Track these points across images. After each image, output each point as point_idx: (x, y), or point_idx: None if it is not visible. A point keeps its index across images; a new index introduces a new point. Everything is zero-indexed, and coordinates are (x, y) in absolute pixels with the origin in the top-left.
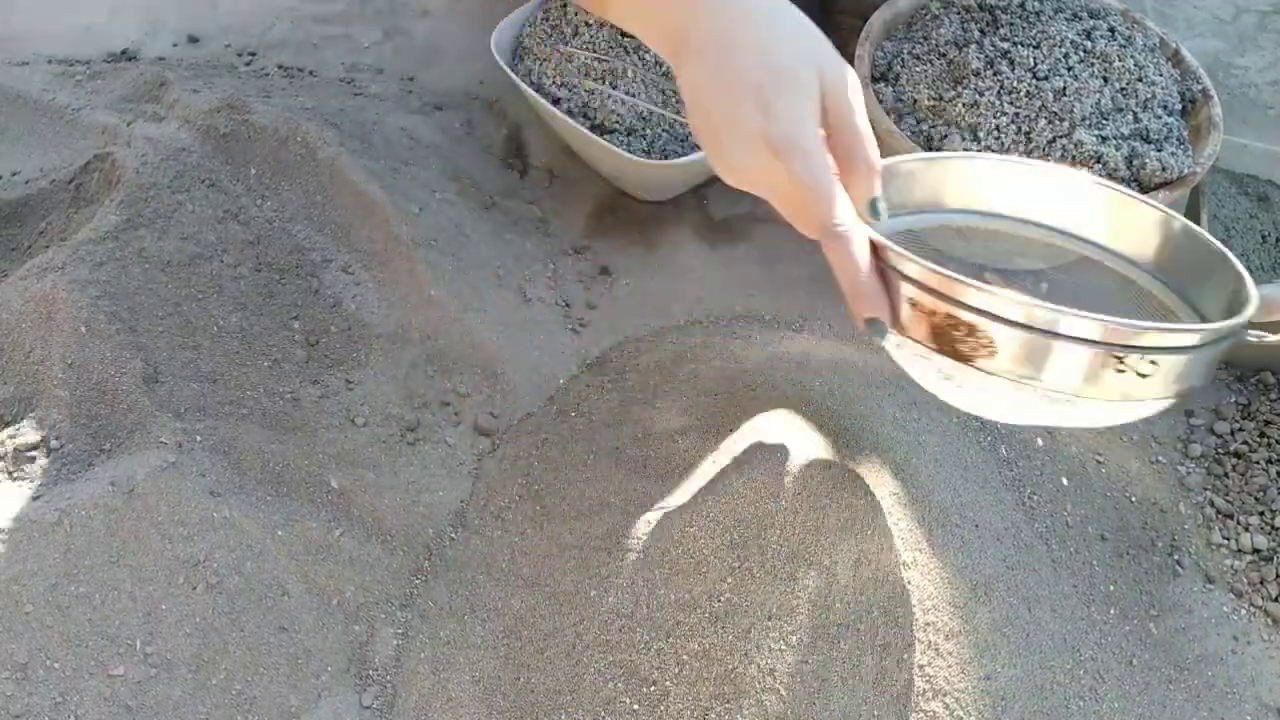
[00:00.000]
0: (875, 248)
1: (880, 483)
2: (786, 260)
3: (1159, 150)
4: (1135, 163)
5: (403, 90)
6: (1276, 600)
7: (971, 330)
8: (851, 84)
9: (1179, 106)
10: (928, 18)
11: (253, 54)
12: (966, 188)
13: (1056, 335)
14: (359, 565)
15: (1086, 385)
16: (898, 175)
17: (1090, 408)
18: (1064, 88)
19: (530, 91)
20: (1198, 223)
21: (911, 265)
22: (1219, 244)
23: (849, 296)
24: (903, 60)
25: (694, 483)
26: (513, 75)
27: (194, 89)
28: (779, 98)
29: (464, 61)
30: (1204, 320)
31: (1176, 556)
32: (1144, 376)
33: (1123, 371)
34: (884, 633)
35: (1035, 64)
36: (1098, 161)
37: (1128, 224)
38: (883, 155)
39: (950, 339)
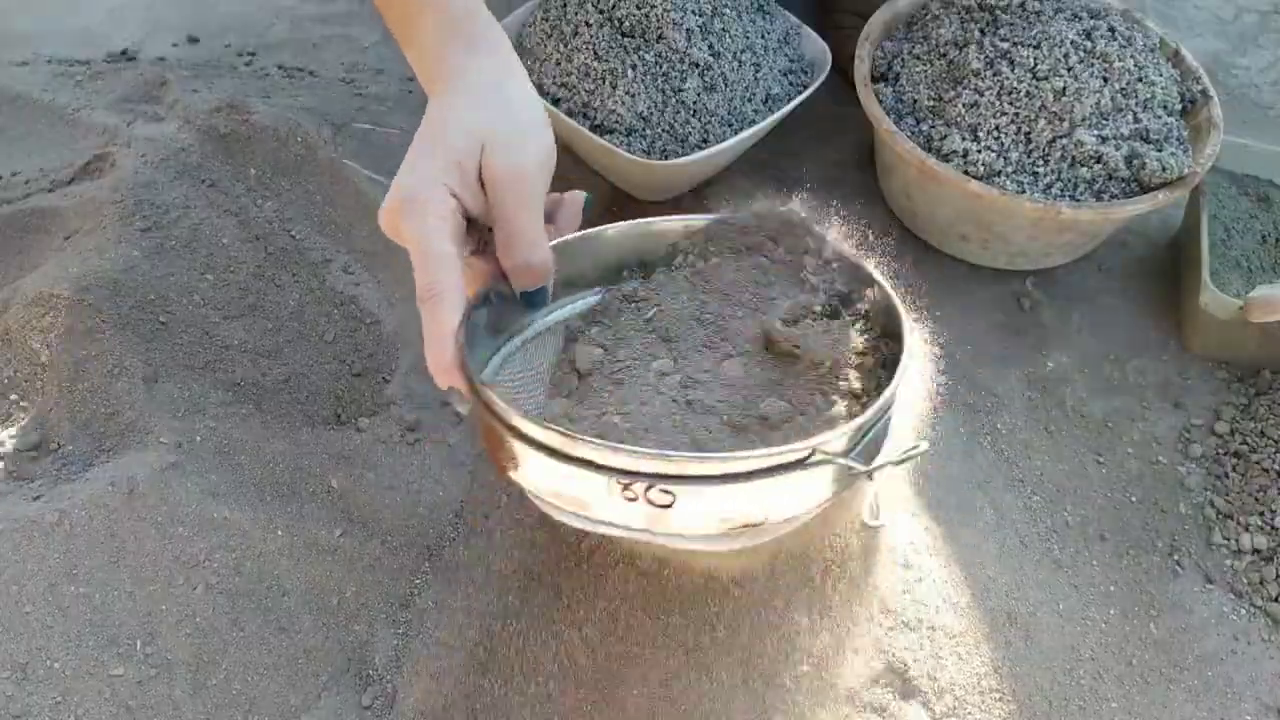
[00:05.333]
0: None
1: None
2: None
3: (1159, 150)
4: (1135, 163)
5: (403, 90)
6: (1276, 600)
7: (500, 439)
8: (519, 173)
9: (1179, 106)
10: (928, 18)
11: (252, 54)
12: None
13: (550, 452)
14: (359, 565)
15: (607, 514)
16: (565, 253)
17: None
18: (1064, 88)
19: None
20: (1198, 223)
21: (464, 362)
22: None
23: (429, 362)
24: (903, 60)
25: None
26: None
27: (194, 89)
28: (418, 159)
29: None
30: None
31: (1176, 557)
32: (663, 508)
33: (633, 500)
34: (883, 632)
35: (1035, 64)
36: (1098, 162)
37: None
38: (883, 155)
39: (493, 448)
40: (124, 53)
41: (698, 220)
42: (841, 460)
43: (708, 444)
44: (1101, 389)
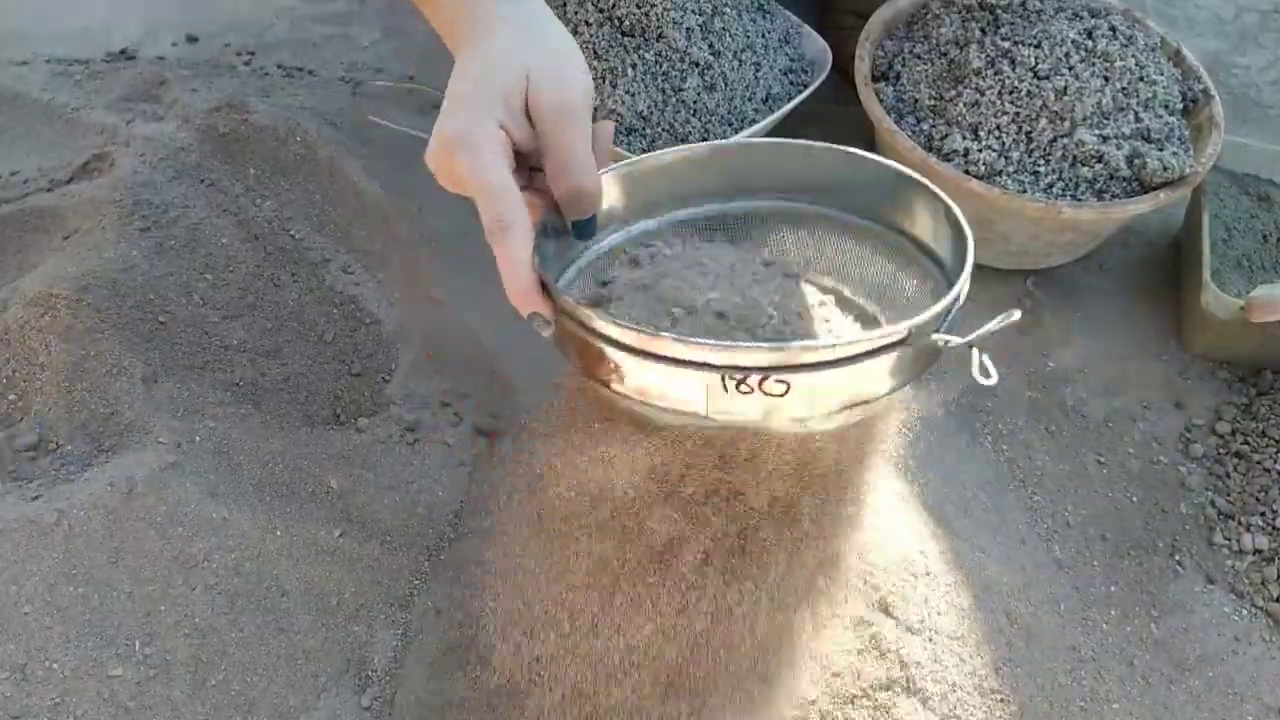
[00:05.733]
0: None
1: (882, 483)
2: None
3: (1160, 150)
4: (1136, 162)
5: (402, 90)
6: (1277, 601)
7: (600, 354)
8: (567, 102)
9: (1180, 106)
10: (929, 17)
11: (252, 53)
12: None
13: (661, 359)
14: (358, 566)
15: (718, 408)
16: (624, 180)
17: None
18: (1065, 87)
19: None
20: (1199, 222)
21: (551, 284)
22: (930, 185)
23: (509, 292)
24: (903, 59)
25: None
26: None
27: (193, 88)
28: (462, 99)
29: None
30: (946, 277)
31: (1178, 557)
32: (779, 396)
33: (749, 393)
34: (884, 633)
35: (1036, 63)
36: (1099, 161)
37: (853, 179)
38: (883, 155)
39: (589, 362)
40: (123, 52)
41: (767, 147)
42: (939, 336)
43: (804, 333)
44: (1102, 389)
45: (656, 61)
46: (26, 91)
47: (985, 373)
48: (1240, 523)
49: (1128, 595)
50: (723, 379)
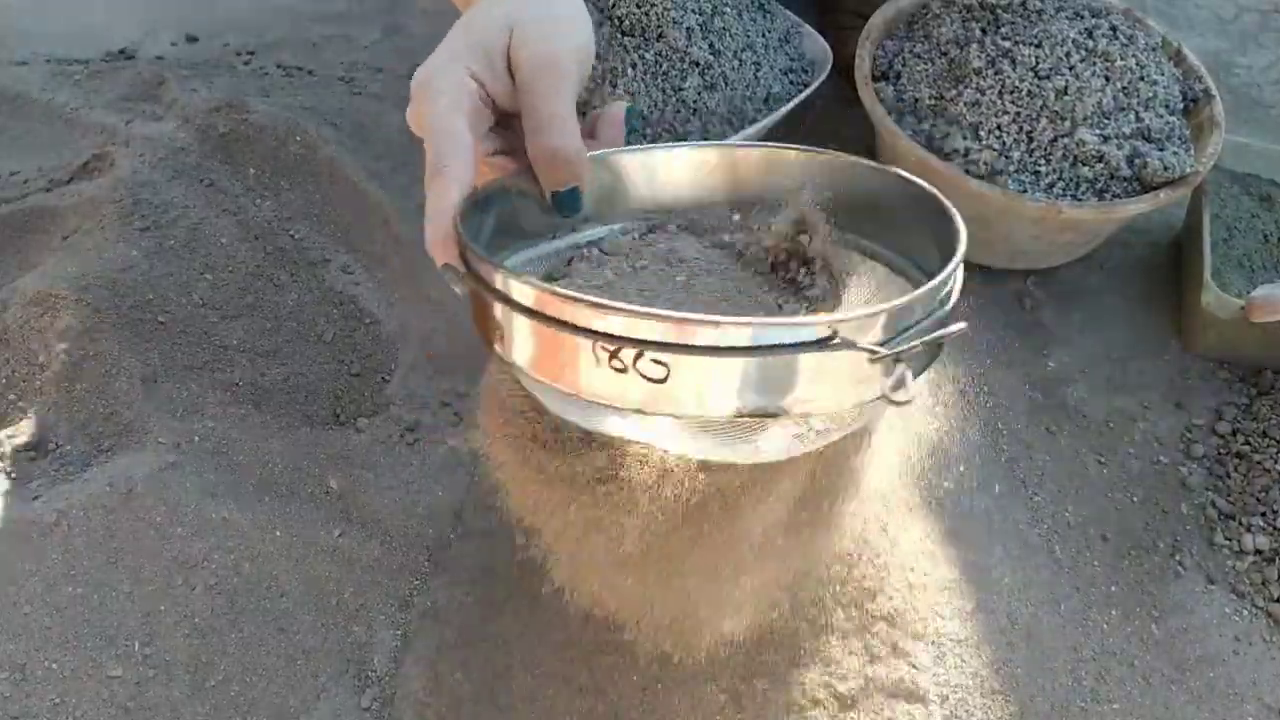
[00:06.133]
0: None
1: (881, 484)
2: None
3: (1161, 150)
4: (1137, 162)
5: (402, 89)
6: (1278, 601)
7: (486, 308)
8: (549, 56)
9: (1181, 106)
10: (929, 16)
11: (251, 53)
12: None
13: (534, 315)
14: (358, 566)
15: (592, 388)
16: (628, 167)
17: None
18: (1065, 87)
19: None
20: (1200, 222)
21: (463, 236)
22: (927, 185)
23: (427, 238)
24: (904, 59)
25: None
26: None
27: (193, 88)
28: (440, 48)
29: None
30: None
31: (1178, 557)
32: (658, 382)
33: (622, 371)
34: (885, 634)
35: (1037, 63)
36: (1099, 161)
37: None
38: (884, 154)
39: (482, 321)
40: (122, 52)
41: (795, 155)
42: (865, 345)
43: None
44: (1103, 389)
45: (656, 61)
46: (26, 91)
47: (902, 389)
48: (1241, 523)
49: (1128, 595)
50: (594, 348)
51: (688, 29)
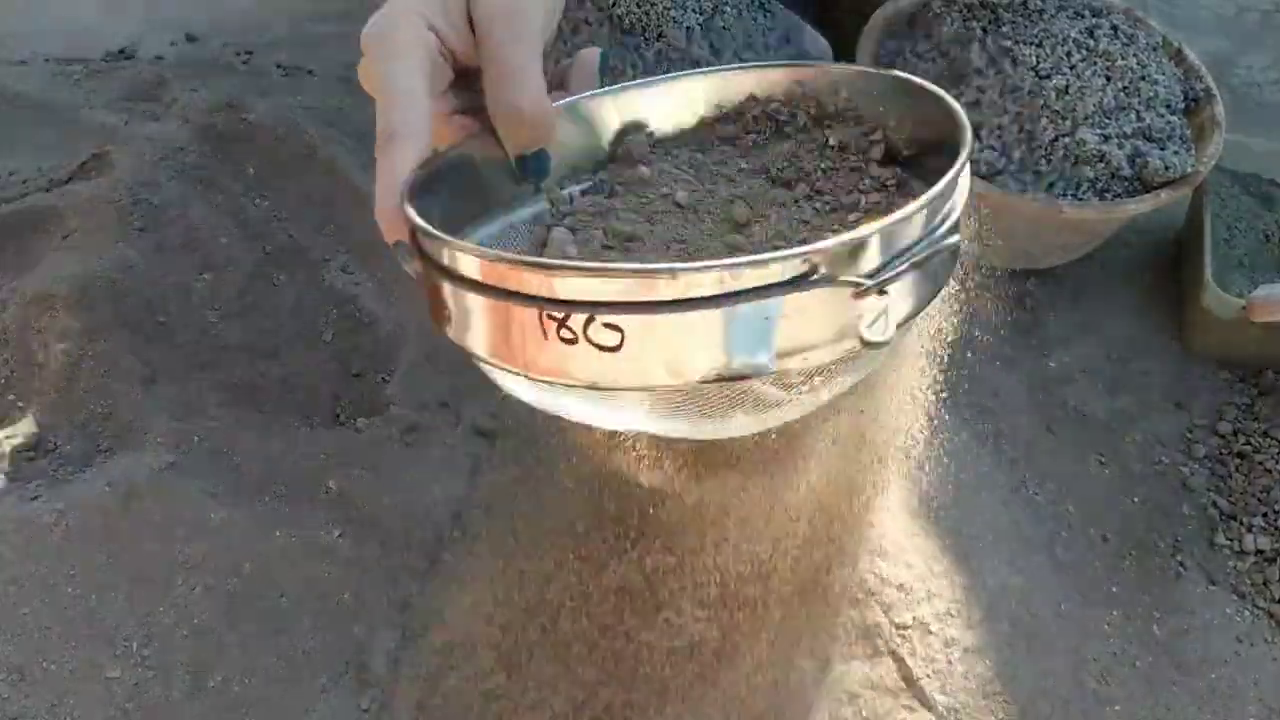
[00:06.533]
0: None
1: (884, 484)
2: None
3: (1162, 149)
4: (1138, 162)
5: None
6: (1279, 602)
7: (433, 286)
8: (511, 5)
9: (1182, 105)
10: (930, 15)
11: (250, 53)
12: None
13: (475, 287)
14: (357, 567)
15: (539, 364)
16: (590, 115)
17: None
18: (1066, 86)
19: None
20: (1200, 222)
21: (411, 211)
22: (929, 85)
23: (376, 211)
24: (904, 58)
25: (694, 485)
26: None
27: (192, 88)
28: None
29: None
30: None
31: (1179, 558)
32: (611, 351)
33: (572, 341)
34: (886, 634)
35: (1038, 62)
36: (1100, 160)
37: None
38: None
39: (431, 301)
40: (122, 51)
41: (760, 72)
42: (849, 278)
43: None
44: (1104, 389)
45: (656, 61)
46: (25, 91)
47: (879, 325)
48: (1242, 523)
49: (1129, 596)
50: (539, 316)
51: (688, 28)
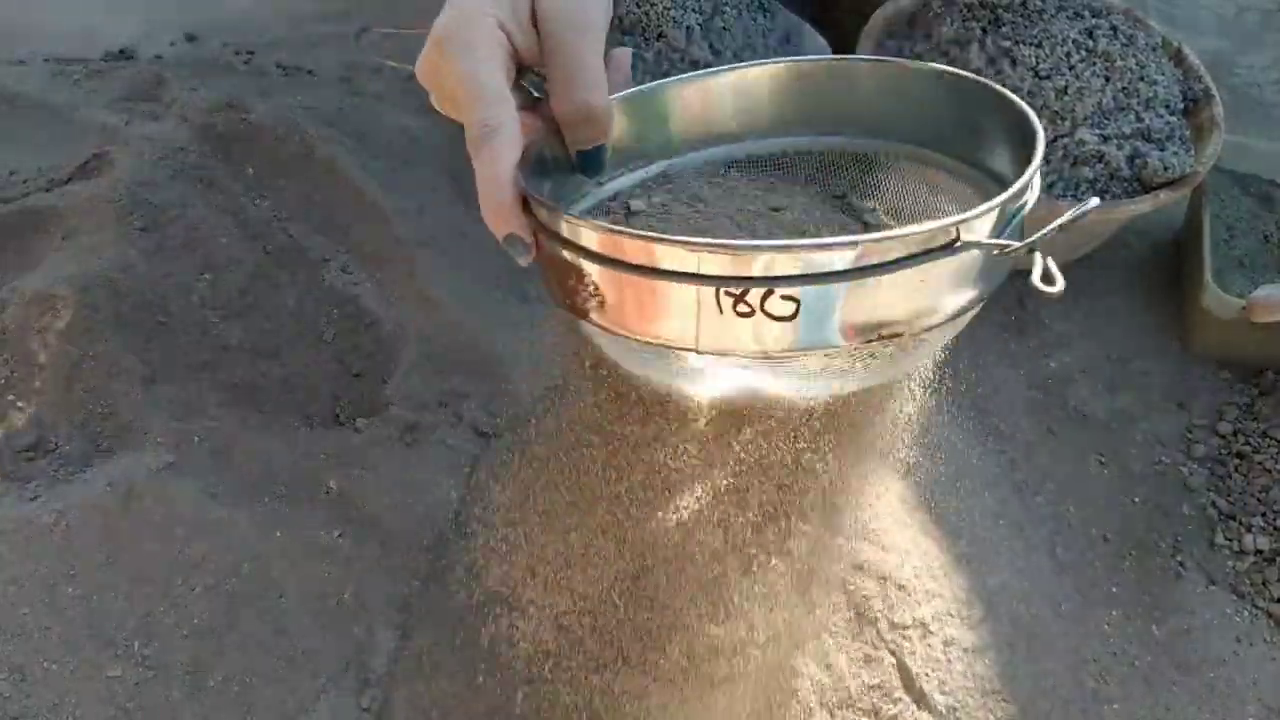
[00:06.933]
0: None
1: (884, 485)
2: None
3: (1161, 150)
4: (1137, 162)
5: (403, 89)
6: (1279, 602)
7: (579, 275)
8: (578, 5)
9: (1181, 106)
10: (929, 15)
11: (251, 53)
12: (694, 115)
13: (641, 270)
14: (357, 567)
15: (711, 336)
16: (642, 108)
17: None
18: (1066, 87)
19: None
20: (1200, 222)
21: (534, 198)
22: (990, 83)
23: (484, 209)
24: (905, 58)
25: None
26: None
27: (192, 88)
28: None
29: None
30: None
31: (1179, 558)
32: (787, 320)
33: (748, 314)
34: (886, 635)
35: (1037, 63)
36: (1100, 161)
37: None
38: None
39: (567, 287)
40: (122, 51)
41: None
42: (991, 240)
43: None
44: (1104, 389)
45: (656, 61)
46: (25, 91)
47: (1049, 279)
48: (1242, 523)
49: (1129, 596)
50: (717, 293)
51: (688, 28)
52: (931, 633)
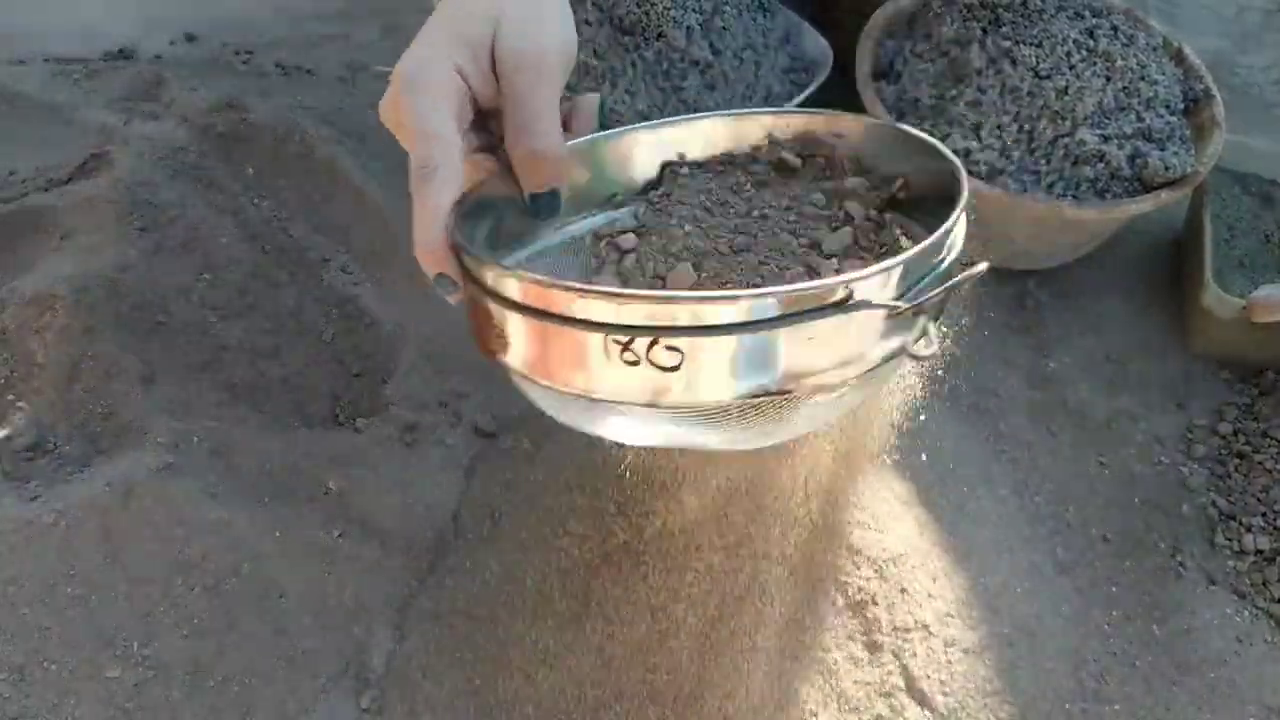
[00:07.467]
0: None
1: (884, 485)
2: None
3: (1162, 149)
4: (1138, 162)
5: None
6: (1279, 602)
7: (488, 315)
8: (534, 54)
9: (1182, 105)
10: (930, 15)
11: (250, 52)
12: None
13: (537, 313)
14: (357, 567)
15: (603, 385)
16: (603, 154)
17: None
18: (1066, 86)
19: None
20: (1200, 222)
21: (462, 243)
22: (917, 132)
23: (416, 246)
24: (904, 58)
25: (695, 488)
26: None
27: (191, 87)
28: (422, 42)
29: None
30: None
31: (1179, 558)
32: (670, 370)
33: (634, 363)
34: (887, 636)
35: (1037, 63)
36: (1100, 161)
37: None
38: None
39: (483, 332)
40: (121, 51)
41: (748, 120)
42: (883, 302)
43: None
44: (1104, 389)
45: (656, 60)
46: (25, 90)
47: (924, 341)
48: (1242, 523)
49: (1129, 596)
50: (604, 340)
51: (688, 28)
52: (932, 634)
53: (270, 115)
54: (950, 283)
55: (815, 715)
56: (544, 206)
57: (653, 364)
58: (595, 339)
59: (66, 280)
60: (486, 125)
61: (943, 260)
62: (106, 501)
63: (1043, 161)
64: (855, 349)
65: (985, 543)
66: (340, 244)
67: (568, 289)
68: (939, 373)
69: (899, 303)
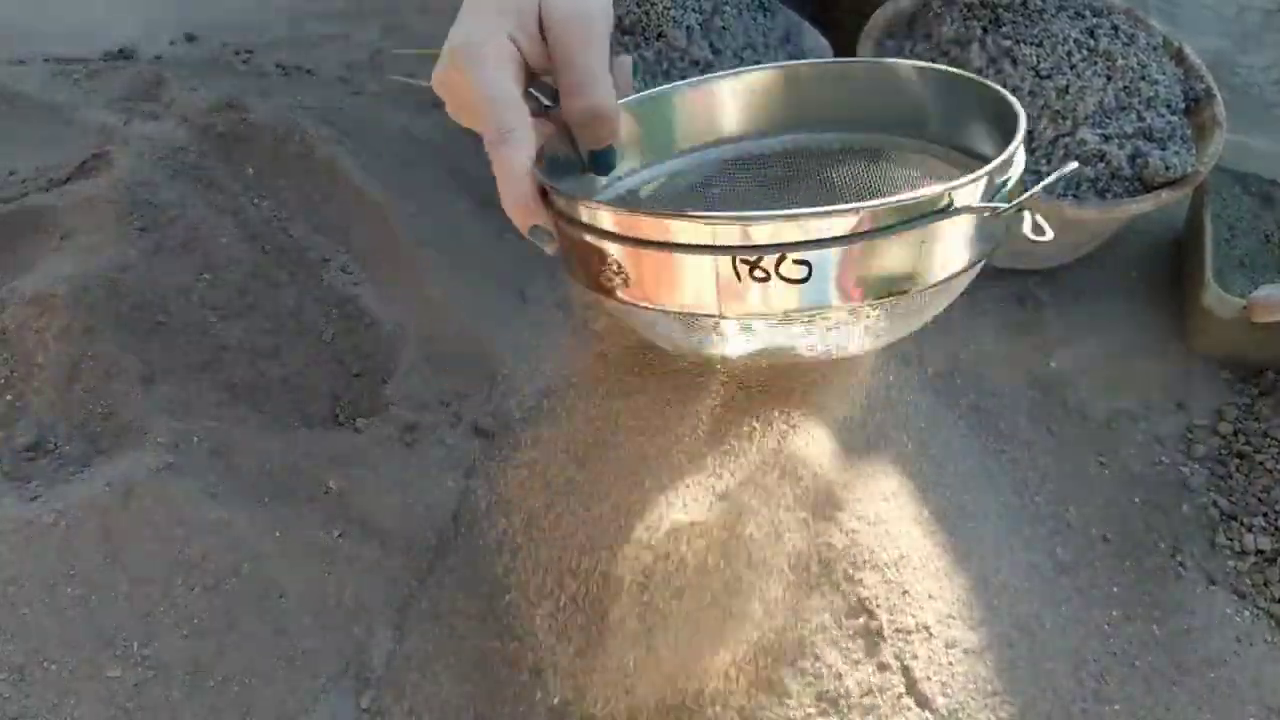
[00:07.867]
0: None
1: (883, 484)
2: None
3: (1162, 149)
4: (1138, 161)
5: (402, 89)
6: (1279, 602)
7: (602, 256)
8: (584, 14)
9: (1182, 105)
10: (930, 15)
11: (250, 52)
12: (699, 118)
13: (662, 246)
14: (357, 567)
15: (733, 305)
16: (649, 112)
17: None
18: (1067, 86)
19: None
20: (1201, 222)
21: (552, 189)
22: (972, 75)
23: (507, 206)
24: (904, 58)
25: (696, 488)
26: None
27: (191, 87)
28: (470, 12)
29: None
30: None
31: (1179, 558)
32: (800, 282)
33: (765, 279)
34: (889, 638)
35: (1038, 62)
36: (1101, 160)
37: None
38: None
39: (591, 269)
40: (121, 51)
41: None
42: (981, 204)
43: None
44: (1104, 389)
45: (656, 60)
46: (25, 90)
47: (1039, 230)
48: (1242, 524)
49: (1129, 596)
50: (733, 262)
51: (688, 28)
52: (933, 635)
53: (270, 115)
54: (1045, 181)
55: (815, 717)
56: (602, 162)
57: (783, 278)
58: (724, 261)
59: (66, 280)
60: (530, 90)
61: (1009, 179)
62: (106, 501)
63: (1043, 161)
64: (957, 252)
65: (985, 543)
66: (340, 244)
67: (694, 218)
68: (938, 373)
69: (1000, 204)
